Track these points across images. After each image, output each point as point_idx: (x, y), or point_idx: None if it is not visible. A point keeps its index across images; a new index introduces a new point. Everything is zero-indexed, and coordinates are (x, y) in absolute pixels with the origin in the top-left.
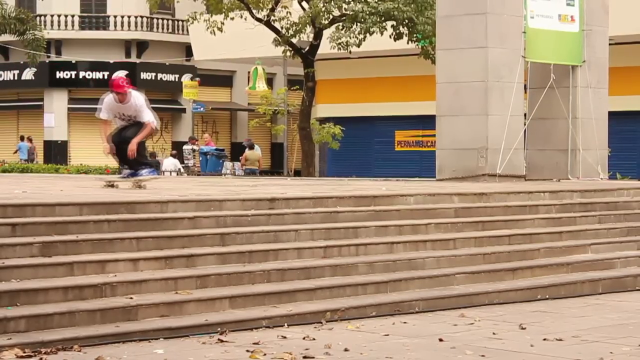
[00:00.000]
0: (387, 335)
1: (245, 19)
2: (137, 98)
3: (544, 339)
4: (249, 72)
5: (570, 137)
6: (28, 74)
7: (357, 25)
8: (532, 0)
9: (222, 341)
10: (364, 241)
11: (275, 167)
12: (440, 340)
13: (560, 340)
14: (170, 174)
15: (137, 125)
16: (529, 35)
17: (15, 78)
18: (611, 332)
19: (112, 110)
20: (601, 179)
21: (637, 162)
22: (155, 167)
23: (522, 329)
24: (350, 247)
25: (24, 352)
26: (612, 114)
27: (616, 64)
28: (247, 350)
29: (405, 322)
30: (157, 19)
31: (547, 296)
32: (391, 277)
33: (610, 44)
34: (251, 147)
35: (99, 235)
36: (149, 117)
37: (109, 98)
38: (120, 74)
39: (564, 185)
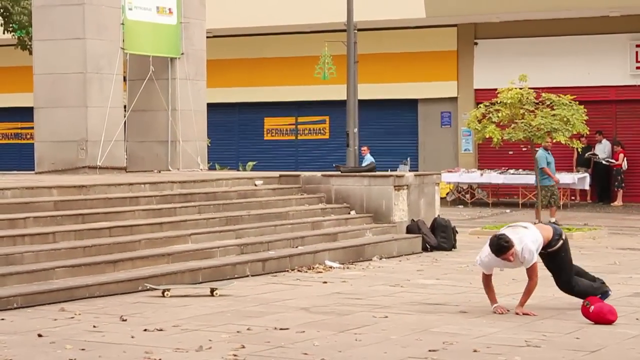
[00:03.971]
0: None
1: None
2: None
3: (145, 330)
4: None
5: (170, 128)
6: None
7: None
8: None
9: None
10: None
11: None
12: (40, 335)
13: (161, 330)
14: None
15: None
16: (127, 27)
17: None
18: (211, 320)
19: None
20: (201, 169)
21: (236, 153)
22: None
23: (123, 320)
24: None
25: None
26: (211, 106)
27: (214, 57)
28: None
29: (2, 319)
30: None
31: (149, 287)
32: None
33: (208, 37)
34: None
35: None
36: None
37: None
38: None
39: (165, 176)
